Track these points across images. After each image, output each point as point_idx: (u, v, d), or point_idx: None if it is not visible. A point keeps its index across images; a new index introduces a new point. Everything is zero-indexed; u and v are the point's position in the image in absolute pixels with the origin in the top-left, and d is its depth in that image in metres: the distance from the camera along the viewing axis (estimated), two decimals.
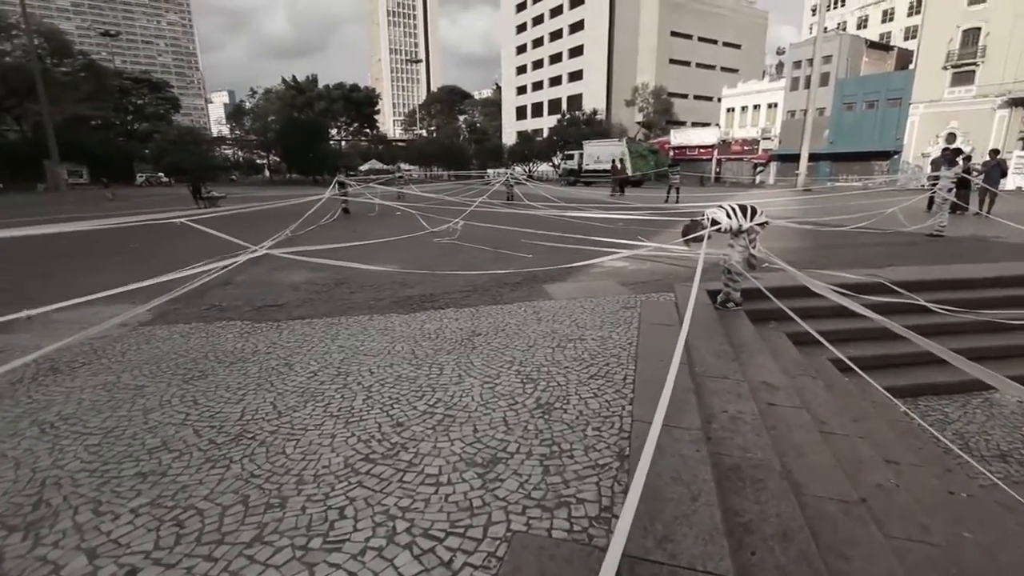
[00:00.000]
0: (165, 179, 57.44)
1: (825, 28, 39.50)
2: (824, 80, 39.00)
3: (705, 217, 4.75)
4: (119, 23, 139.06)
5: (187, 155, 55.35)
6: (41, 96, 30.72)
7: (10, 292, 5.56)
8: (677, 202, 17.31)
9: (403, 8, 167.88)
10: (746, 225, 4.74)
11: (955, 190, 9.15)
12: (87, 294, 5.00)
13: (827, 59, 39.12)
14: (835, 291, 4.04)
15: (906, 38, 55.03)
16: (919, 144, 35.93)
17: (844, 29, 54.65)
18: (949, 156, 9.09)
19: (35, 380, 3.23)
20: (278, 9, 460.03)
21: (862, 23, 61.13)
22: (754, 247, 4.83)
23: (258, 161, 63.05)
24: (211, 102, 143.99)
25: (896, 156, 37.09)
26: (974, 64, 33.41)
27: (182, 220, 4.26)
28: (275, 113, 54.72)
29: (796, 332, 4.82)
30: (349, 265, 5.18)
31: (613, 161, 27.59)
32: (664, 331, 3.92)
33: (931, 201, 11.14)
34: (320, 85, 59.41)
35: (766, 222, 4.90)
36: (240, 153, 65.18)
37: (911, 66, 41.19)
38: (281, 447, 2.24)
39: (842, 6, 63.31)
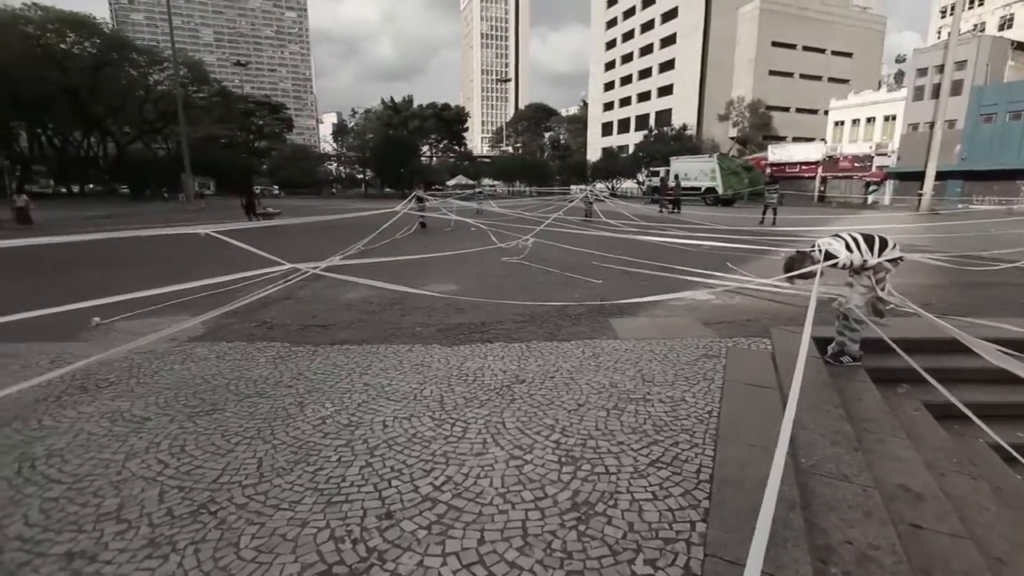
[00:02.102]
0: (277, 191, 63.33)
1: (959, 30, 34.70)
2: (956, 89, 34.17)
3: (816, 249, 3.81)
4: (250, 54, 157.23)
5: (297, 170, 60.74)
6: (181, 119, 35.18)
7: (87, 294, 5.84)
8: (774, 224, 15.61)
9: (495, 31, 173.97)
10: (872, 261, 3.73)
11: None
12: (151, 302, 5.09)
13: (960, 65, 34.31)
14: (998, 350, 2.97)
15: None
16: None
17: (983, 31, 47.92)
18: None
19: (59, 400, 3.11)
20: (384, 37, 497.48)
21: (1005, 23, 53.38)
22: (883, 288, 3.79)
23: (357, 176, 67.50)
24: (322, 122, 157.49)
25: None
26: None
27: (207, 231, 4.10)
28: (373, 132, 58.34)
29: (939, 403, 3.71)
30: (400, 289, 4.82)
31: (663, 177, 26.06)
32: (756, 396, 3.07)
33: None
34: (415, 105, 62.57)
35: (900, 258, 3.85)
36: (342, 168, 70.27)
37: None
38: (237, 537, 1.78)
39: (980, 5, 55.79)
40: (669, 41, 64.28)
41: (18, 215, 16.50)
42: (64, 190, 45.69)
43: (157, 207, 28.04)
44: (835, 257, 3.72)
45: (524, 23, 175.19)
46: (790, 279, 3.95)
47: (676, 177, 34.97)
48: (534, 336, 4.43)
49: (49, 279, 7.31)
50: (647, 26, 68.08)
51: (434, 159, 65.82)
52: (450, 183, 52.74)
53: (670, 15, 63.84)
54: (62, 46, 36.36)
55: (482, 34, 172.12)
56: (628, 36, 71.99)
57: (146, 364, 3.75)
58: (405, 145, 53.69)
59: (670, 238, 8.93)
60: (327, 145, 74.34)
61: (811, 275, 3.84)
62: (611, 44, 75.53)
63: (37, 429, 2.69)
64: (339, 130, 68.05)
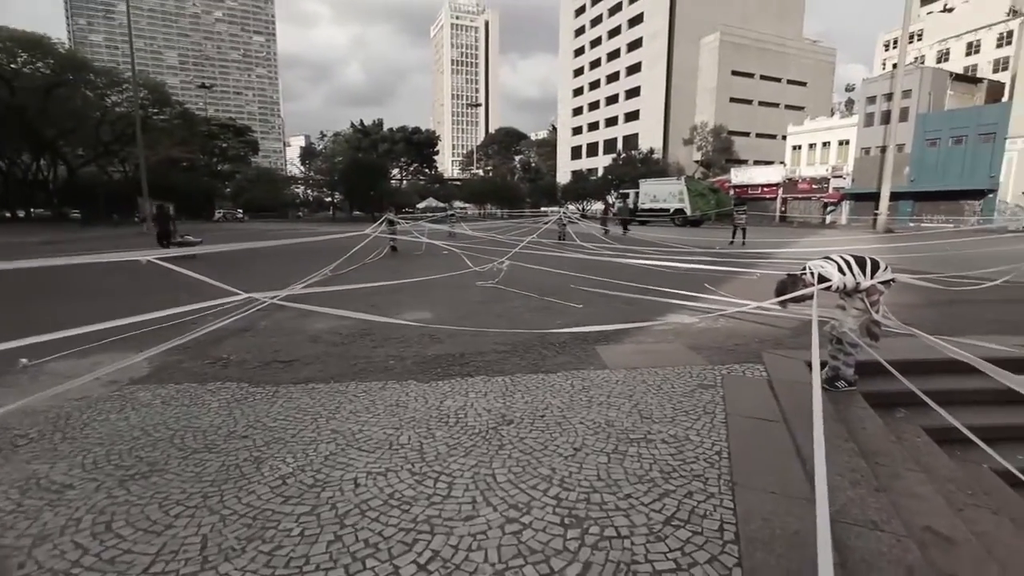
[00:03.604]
0: (240, 215, 61.61)
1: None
2: (903, 116, 36.25)
3: (808, 272, 3.68)
4: (215, 77, 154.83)
5: (262, 193, 59.34)
6: (139, 141, 33.96)
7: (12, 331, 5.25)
8: (743, 244, 15.88)
9: (466, 57, 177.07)
10: (865, 283, 3.62)
11: None
12: (90, 339, 4.56)
13: (907, 94, 36.50)
14: (1005, 372, 2.86)
15: (995, 70, 51.06)
16: (1018, 182, 32.30)
17: (923, 63, 51.39)
18: None
19: None
20: (354, 62, 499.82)
21: (943, 56, 57.52)
22: (877, 311, 3.68)
23: (325, 199, 66.46)
24: (289, 145, 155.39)
25: (991, 195, 33.50)
26: None
27: (148, 259, 3.68)
28: (342, 155, 57.75)
29: (938, 427, 3.59)
30: (370, 319, 4.46)
31: (608, 200, 26.76)
32: (763, 431, 2.85)
33: None
34: (385, 128, 62.43)
35: (892, 279, 3.76)
36: (309, 192, 69.05)
37: (1004, 99, 37.75)
38: None
39: (920, 40, 59.96)
40: (635, 69, 66.59)
41: None
42: (8, 215, 43.18)
43: (107, 232, 26.66)
44: (828, 280, 3.60)
45: (494, 50, 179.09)
46: (782, 303, 3.82)
47: (624, 198, 35.59)
48: (518, 368, 4.13)
49: None
50: (613, 55, 70.48)
51: (404, 182, 65.51)
52: (420, 205, 52.40)
53: (635, 44, 66.30)
54: (12, 66, 34.81)
55: (452, 60, 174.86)
56: (595, 64, 74.30)
57: (76, 414, 3.27)
58: (374, 168, 53.23)
59: (648, 260, 8.84)
60: (294, 168, 73.14)
61: (805, 299, 3.72)
62: (579, 71, 77.74)
63: None
64: (307, 153, 67.18)
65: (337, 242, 10.60)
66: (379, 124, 62.76)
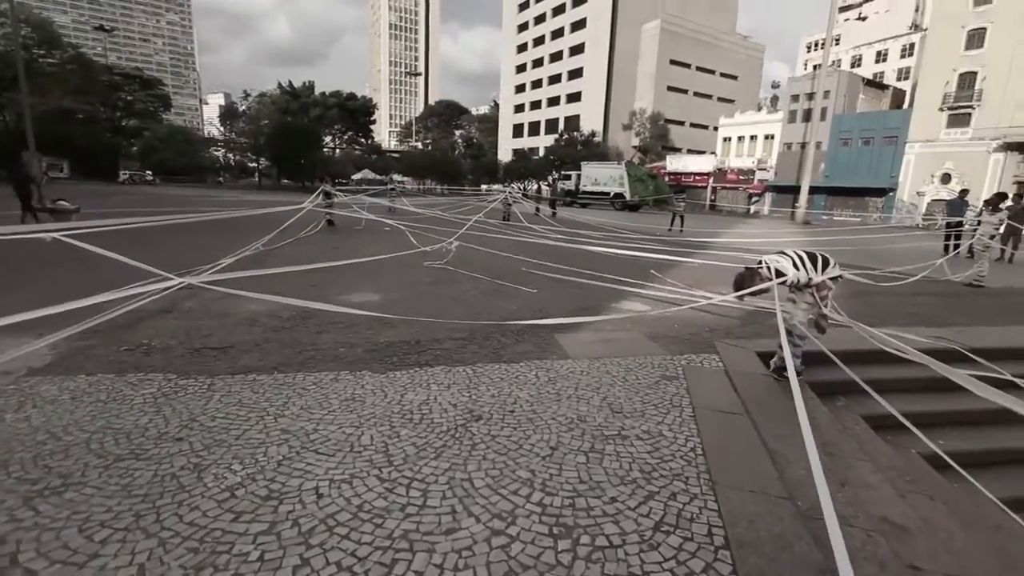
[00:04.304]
0: (150, 177, 55.90)
1: (820, 65, 39.72)
2: (821, 115, 39.09)
3: (763, 266, 3.79)
4: (116, 20, 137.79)
5: (175, 154, 54.01)
6: (22, 85, 29.46)
7: None
8: (681, 231, 16.51)
9: (405, 23, 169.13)
10: (817, 279, 3.79)
11: (997, 237, 8.38)
12: None
13: (825, 95, 39.30)
14: (943, 365, 3.10)
15: (899, 79, 56.09)
16: (914, 183, 36.01)
17: (839, 67, 55.47)
18: (994, 201, 8.35)
19: None
20: (280, 16, 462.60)
21: (856, 62, 62.28)
22: (826, 305, 3.87)
23: (250, 165, 61.67)
24: (207, 103, 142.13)
25: (891, 193, 37.13)
26: (970, 107, 33.69)
27: (53, 235, 3.13)
28: (268, 117, 53.61)
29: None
30: (313, 306, 4.09)
31: (548, 181, 26.93)
32: (730, 425, 2.91)
33: (948, 248, 10.80)
34: (317, 92, 58.57)
35: (840, 275, 3.96)
36: (231, 156, 63.77)
37: (905, 106, 41.66)
38: None
39: (837, 45, 64.52)
40: (578, 50, 66.69)
41: None
42: None
43: None
44: (784, 275, 3.72)
45: (435, 17, 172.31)
46: (740, 296, 3.93)
47: (566, 179, 36.04)
48: (478, 357, 3.98)
49: None
50: (557, 33, 70.08)
51: (337, 151, 62.15)
52: (355, 177, 50.06)
53: (579, 25, 66.27)
54: None
55: (391, 24, 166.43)
56: (539, 41, 73.59)
57: None
58: (306, 134, 49.92)
59: (597, 245, 8.91)
60: (213, 129, 67.00)
61: (762, 292, 3.84)
62: (522, 47, 76.74)
63: None
64: (227, 113, 61.55)
65: (268, 214, 9.79)
66: (310, 87, 58.78)
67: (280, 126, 49.50)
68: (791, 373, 2.53)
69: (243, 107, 59.24)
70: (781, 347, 4.09)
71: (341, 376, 3.48)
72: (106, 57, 59.92)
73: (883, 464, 3.13)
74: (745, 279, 3.83)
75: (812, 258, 3.84)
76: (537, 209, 19.10)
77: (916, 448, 3.65)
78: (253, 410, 2.91)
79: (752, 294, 3.84)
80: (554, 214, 20.31)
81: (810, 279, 3.79)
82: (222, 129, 61.66)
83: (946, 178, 34.80)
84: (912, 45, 58.31)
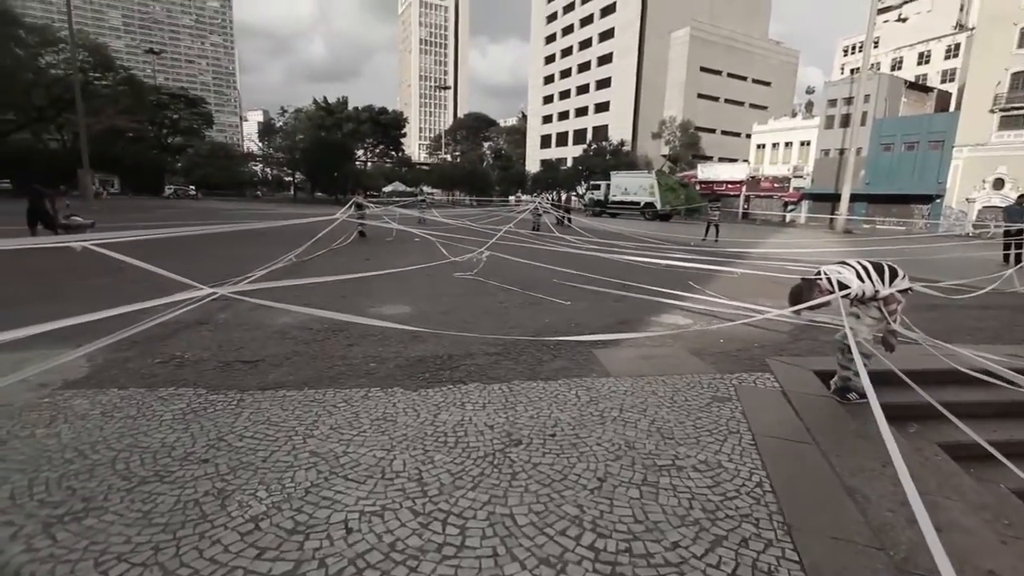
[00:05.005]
0: (193, 191, 58.25)
1: (858, 69, 38.36)
2: (861, 120, 37.72)
3: (824, 278, 3.49)
4: (165, 43, 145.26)
5: (216, 170, 56.23)
6: (79, 107, 31.25)
7: None
8: (716, 241, 16.01)
9: (435, 38, 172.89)
10: (884, 292, 3.46)
11: None
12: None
13: (865, 99, 37.96)
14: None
15: (943, 81, 53.77)
16: (963, 189, 34.22)
17: (879, 70, 53.62)
18: None
19: None
20: (316, 36, 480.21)
21: (896, 65, 60.08)
22: (895, 320, 3.53)
23: (286, 179, 63.62)
24: (246, 120, 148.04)
25: (938, 200, 35.37)
26: None
27: (84, 245, 3.11)
28: (304, 132, 55.25)
29: (951, 443, 3.49)
30: (343, 319, 3.99)
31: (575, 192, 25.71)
32: (797, 456, 2.62)
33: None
34: (350, 107, 60.10)
35: (910, 288, 3.61)
36: (268, 170, 65.99)
37: (951, 108, 39.79)
38: None
39: (876, 47, 62.44)
40: (606, 60, 66.56)
41: None
42: None
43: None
44: (848, 287, 3.41)
45: (464, 32, 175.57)
46: (798, 311, 3.62)
47: (595, 189, 35.50)
48: (513, 374, 3.78)
49: None
50: (585, 44, 70.18)
51: (369, 164, 63.48)
52: (386, 189, 50.95)
53: (607, 35, 66.20)
54: None
55: (421, 40, 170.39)
56: (567, 52, 73.82)
57: None
58: (339, 148, 51.27)
59: (632, 256, 8.63)
60: (252, 144, 69.55)
61: (822, 306, 3.54)
62: (550, 59, 77.12)
63: None
64: (266, 129, 63.84)
65: (302, 225, 9.89)
66: (344, 102, 60.34)
67: (315, 141, 50.96)
68: (872, 401, 2.23)
69: (280, 123, 61.28)
70: (842, 366, 3.77)
71: (372, 393, 3.33)
72: (155, 78, 63.07)
73: (972, 502, 2.77)
74: (803, 292, 3.54)
75: (878, 269, 3.51)
76: (559, 219, 18.48)
77: (1005, 482, 3.27)
78: (281, 429, 2.79)
79: (812, 308, 3.54)
80: (559, 223, 17.81)
81: (877, 292, 3.46)
82: (260, 145, 63.92)
83: (999, 183, 32.97)
84: (957, 46, 55.92)
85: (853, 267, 3.51)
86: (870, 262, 3.59)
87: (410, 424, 2.87)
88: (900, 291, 3.54)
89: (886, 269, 3.52)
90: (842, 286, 3.40)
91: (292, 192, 61.57)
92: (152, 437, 2.67)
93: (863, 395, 3.73)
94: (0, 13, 35.44)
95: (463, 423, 2.88)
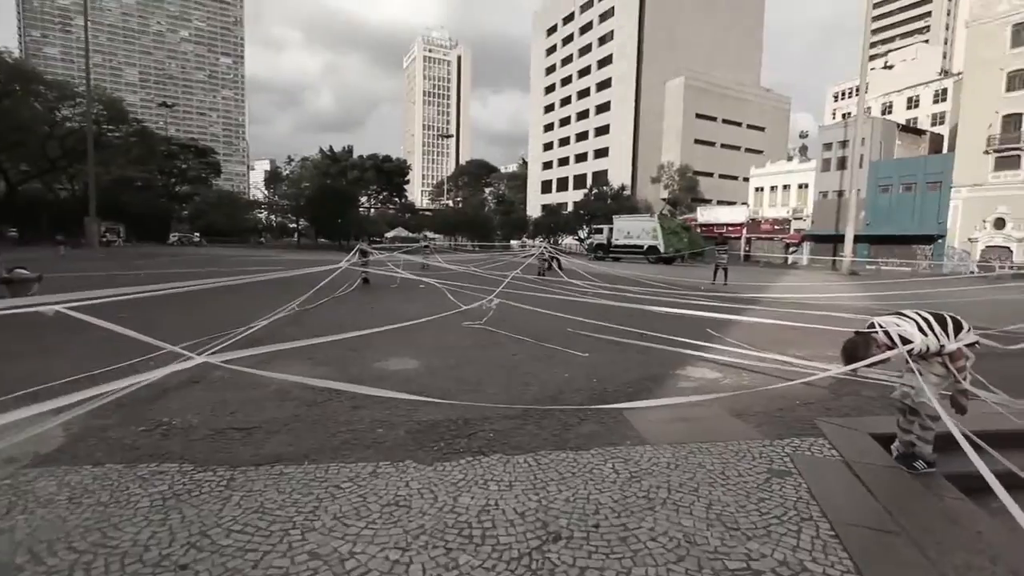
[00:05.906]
0: (197, 239, 58.80)
1: (850, 113, 39.37)
2: (860, 162, 38.32)
3: (879, 330, 3.15)
4: (178, 97, 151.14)
5: (221, 217, 56.99)
6: (90, 158, 31.96)
7: None
8: (726, 284, 15.74)
9: (438, 90, 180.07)
10: (951, 346, 3.11)
11: None
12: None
13: (861, 142, 38.74)
14: None
15: (933, 123, 55.21)
16: (964, 229, 34.32)
17: (870, 114, 55.19)
18: None
19: None
20: (324, 89, 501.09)
21: (887, 109, 61.91)
22: (965, 378, 3.16)
23: (290, 225, 64.42)
24: (253, 168, 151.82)
25: (940, 240, 35.38)
26: (1019, 149, 32.41)
27: (57, 309, 2.82)
28: (309, 180, 56.38)
29: None
30: (354, 389, 3.63)
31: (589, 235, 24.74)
32: (892, 551, 2.19)
33: None
34: (355, 155, 61.59)
35: (977, 341, 3.26)
36: (272, 217, 66.90)
37: (943, 150, 40.51)
38: None
39: (865, 92, 64.60)
40: (604, 108, 68.73)
41: None
42: None
43: (45, 253, 24.43)
44: (910, 342, 3.06)
45: (466, 84, 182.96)
46: (854, 369, 3.26)
47: (598, 233, 35.35)
48: (538, 441, 3.38)
49: None
50: (583, 93, 72.70)
51: (372, 210, 64.40)
52: (389, 235, 51.42)
53: (604, 84, 68.64)
54: None
55: (424, 91, 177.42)
56: (566, 101, 76.37)
57: None
58: (343, 195, 52.14)
59: (642, 303, 8.32)
60: (258, 192, 70.86)
61: (881, 363, 3.20)
62: (550, 107, 79.71)
63: None
64: (272, 177, 65.20)
65: (303, 273, 9.64)
66: (349, 151, 61.89)
67: (320, 188, 51.85)
68: (994, 484, 1.84)
69: (287, 171, 62.69)
70: (903, 429, 3.36)
71: (381, 469, 2.93)
72: (166, 130, 65.01)
73: None
74: (859, 347, 3.18)
75: (940, 320, 3.17)
76: (548, 266, 17.19)
77: None
78: (277, 519, 2.38)
79: (871, 365, 3.18)
80: (541, 275, 15.52)
81: (942, 346, 3.11)
82: (266, 192, 65.10)
83: (1000, 223, 33.09)
84: (945, 90, 57.72)
85: (912, 319, 3.18)
86: (931, 313, 3.25)
87: (427, 511, 2.46)
88: (967, 345, 3.19)
89: (949, 321, 3.18)
90: (904, 340, 3.06)
91: (296, 238, 62.14)
92: (124, 532, 2.26)
93: (932, 464, 3.32)
94: (21, 71, 36.84)
95: (488, 509, 2.47)
